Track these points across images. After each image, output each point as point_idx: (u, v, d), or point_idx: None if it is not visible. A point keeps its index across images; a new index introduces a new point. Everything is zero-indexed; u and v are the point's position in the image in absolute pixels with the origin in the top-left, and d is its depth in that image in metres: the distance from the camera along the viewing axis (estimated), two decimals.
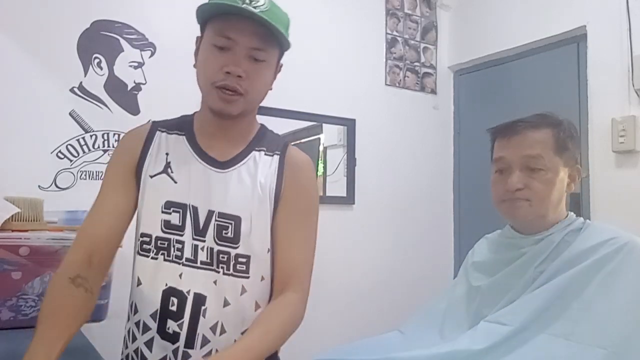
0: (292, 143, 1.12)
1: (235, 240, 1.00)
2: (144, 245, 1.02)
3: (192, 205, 1.00)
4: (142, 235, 1.02)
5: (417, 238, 2.71)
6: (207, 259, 1.00)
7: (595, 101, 2.14)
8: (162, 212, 1.00)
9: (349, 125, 2.53)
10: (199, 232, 1.00)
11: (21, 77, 1.81)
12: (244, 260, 1.01)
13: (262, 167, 1.05)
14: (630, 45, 2.02)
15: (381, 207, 2.61)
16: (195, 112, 1.10)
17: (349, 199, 2.51)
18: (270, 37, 0.97)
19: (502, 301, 1.07)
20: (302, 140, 2.47)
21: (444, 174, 2.85)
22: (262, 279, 1.03)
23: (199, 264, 0.99)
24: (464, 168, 2.84)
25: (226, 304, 1.00)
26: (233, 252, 1.00)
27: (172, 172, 1.02)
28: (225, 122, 1.03)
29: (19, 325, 1.25)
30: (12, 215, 1.36)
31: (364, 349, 1.13)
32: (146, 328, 1.00)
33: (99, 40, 1.95)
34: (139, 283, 1.02)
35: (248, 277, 1.01)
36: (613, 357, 0.91)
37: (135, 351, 1.01)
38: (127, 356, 1.04)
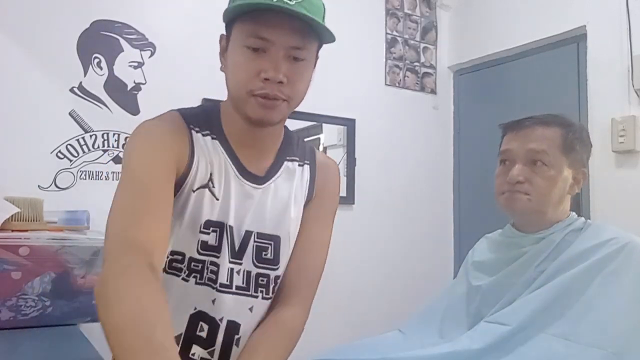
0: None
1: (275, 261, 0.94)
2: (174, 264, 0.91)
3: (229, 225, 0.91)
4: (174, 252, 0.90)
5: (417, 238, 2.70)
6: (242, 283, 0.92)
7: (595, 101, 2.14)
8: (201, 231, 0.89)
9: (349, 125, 2.53)
10: (235, 255, 0.92)
11: (21, 77, 1.81)
12: None
13: (296, 179, 0.98)
14: (630, 45, 2.02)
15: (381, 207, 2.61)
16: (219, 107, 0.96)
17: (348, 199, 2.50)
18: (309, 32, 0.85)
19: (502, 301, 1.07)
20: None
21: (444, 174, 2.85)
22: None
23: (234, 289, 0.92)
24: (464, 168, 2.84)
25: None
26: (272, 274, 0.94)
27: (213, 186, 0.90)
28: (261, 130, 0.91)
29: (19, 325, 1.25)
30: (12, 215, 1.36)
31: (364, 349, 1.13)
32: None
33: (99, 40, 1.95)
34: None
35: None
36: (613, 357, 0.90)
37: None
38: None
